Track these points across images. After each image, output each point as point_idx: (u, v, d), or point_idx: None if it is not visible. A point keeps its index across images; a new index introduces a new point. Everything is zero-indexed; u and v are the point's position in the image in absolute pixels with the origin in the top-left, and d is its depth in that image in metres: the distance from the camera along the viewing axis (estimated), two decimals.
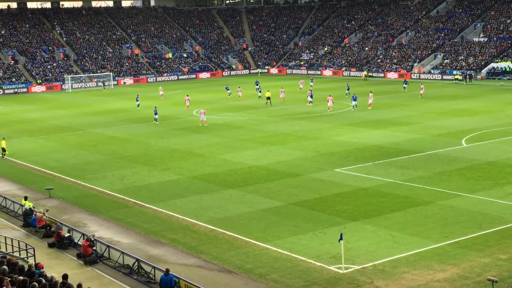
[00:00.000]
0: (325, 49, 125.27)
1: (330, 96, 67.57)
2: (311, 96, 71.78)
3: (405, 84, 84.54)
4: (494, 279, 21.73)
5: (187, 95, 73.87)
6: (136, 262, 24.92)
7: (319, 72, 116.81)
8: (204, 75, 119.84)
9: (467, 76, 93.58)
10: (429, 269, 24.01)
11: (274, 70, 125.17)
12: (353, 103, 66.75)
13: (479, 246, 26.11)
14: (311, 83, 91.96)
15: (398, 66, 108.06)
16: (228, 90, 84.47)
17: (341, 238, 24.12)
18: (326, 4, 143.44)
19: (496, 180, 36.24)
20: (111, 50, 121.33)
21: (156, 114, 62.72)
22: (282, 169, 41.16)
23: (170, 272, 22.59)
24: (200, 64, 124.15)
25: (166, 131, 57.60)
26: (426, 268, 24.10)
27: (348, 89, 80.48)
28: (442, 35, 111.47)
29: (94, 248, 26.72)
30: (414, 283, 22.86)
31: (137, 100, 75.10)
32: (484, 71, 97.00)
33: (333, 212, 31.72)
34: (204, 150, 48.35)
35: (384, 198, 33.65)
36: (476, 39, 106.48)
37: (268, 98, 73.00)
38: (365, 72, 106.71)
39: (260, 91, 79.78)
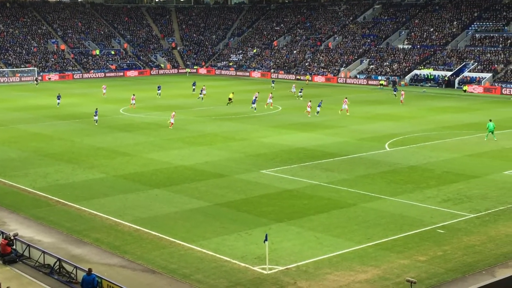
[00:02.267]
0: (254, 50, 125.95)
1: (310, 101, 65.18)
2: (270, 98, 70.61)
3: (395, 91, 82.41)
4: (413, 280, 22.29)
5: (134, 94, 72.17)
6: (58, 262, 24.42)
7: (247, 74, 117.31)
8: (132, 73, 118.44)
9: (392, 83, 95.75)
10: (351, 270, 24.47)
11: (203, 70, 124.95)
12: (318, 108, 64.37)
13: (399, 248, 26.79)
14: (272, 85, 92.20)
15: (325, 70, 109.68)
16: (158, 90, 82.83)
17: (266, 239, 24.29)
18: (256, 6, 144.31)
19: (417, 184, 37.26)
20: (36, 45, 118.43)
21: (96, 114, 59.25)
22: (209, 169, 41.14)
23: (92, 272, 22.25)
24: (128, 62, 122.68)
25: (92, 129, 56.66)
26: (348, 269, 24.56)
27: (300, 91, 79.83)
28: (369, 41, 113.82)
29: (14, 247, 26.02)
30: (336, 284, 23.25)
31: (58, 98, 72.73)
32: (407, 77, 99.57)
33: (258, 213, 31.91)
34: (131, 149, 47.81)
35: (309, 200, 34.09)
36: (400, 46, 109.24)
37: (230, 99, 72.63)
38: (307, 76, 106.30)
39: (202, 92, 78.30)
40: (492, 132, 50.26)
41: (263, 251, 25.17)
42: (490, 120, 51.49)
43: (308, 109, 63.67)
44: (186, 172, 40.41)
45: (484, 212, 31.67)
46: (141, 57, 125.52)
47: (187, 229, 29.45)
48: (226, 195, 35.05)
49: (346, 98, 67.90)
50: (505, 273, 23.38)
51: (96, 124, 58.33)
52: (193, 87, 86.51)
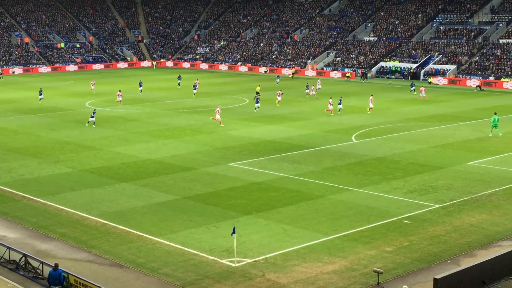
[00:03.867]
0: (221, 43, 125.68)
1: (331, 98, 61.11)
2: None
3: (412, 86, 77.55)
4: (380, 271, 22.58)
5: (120, 90, 67.98)
6: (23, 258, 24.14)
7: (215, 67, 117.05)
8: (98, 66, 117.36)
9: (362, 75, 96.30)
10: (319, 262, 24.62)
11: (169, 63, 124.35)
12: (339, 106, 60.73)
13: (366, 239, 27.03)
14: (277, 80, 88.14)
15: (292, 63, 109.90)
16: (140, 86, 79.23)
17: (234, 232, 24.32)
18: None
19: (383, 175, 37.60)
20: None
21: (93, 115, 53.99)
22: (177, 163, 41.00)
23: (59, 267, 22.04)
24: (93, 55, 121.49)
25: (58, 123, 56.03)
26: (316, 261, 24.71)
27: (307, 88, 75.94)
28: (335, 33, 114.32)
29: None
30: (304, 275, 23.39)
31: (40, 94, 69.20)
32: (374, 69, 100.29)
33: (226, 206, 31.92)
34: (97, 142, 47.42)
35: (276, 192, 34.19)
36: (366, 39, 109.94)
37: (257, 92, 69.58)
38: (293, 70, 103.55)
39: (195, 88, 75.62)
40: (496, 127, 48.61)
41: (231, 244, 25.20)
42: (495, 113, 49.91)
43: (330, 107, 59.88)
44: (154, 166, 40.22)
45: (449, 203, 32.10)
46: (107, 50, 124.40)
47: (154, 223, 29.34)
48: (194, 188, 34.99)
49: (372, 95, 63.64)
50: (469, 262, 23.76)
51: (93, 126, 53.35)
52: (178, 81, 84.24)
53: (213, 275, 23.55)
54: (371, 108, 61.34)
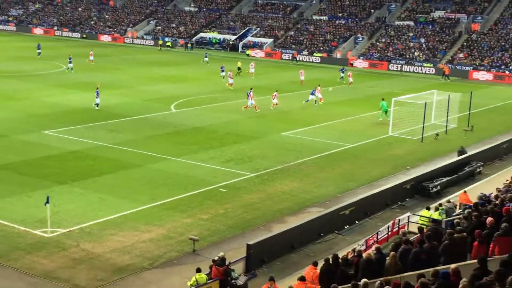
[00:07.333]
0: (36, 6, 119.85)
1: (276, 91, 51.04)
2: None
3: (342, 72, 68.65)
4: (195, 238, 23.07)
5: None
6: None
7: (29, 30, 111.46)
8: None
9: (184, 44, 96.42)
10: (136, 230, 24.64)
11: None
12: (311, 97, 52.62)
13: (183, 208, 27.43)
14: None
15: (111, 30, 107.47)
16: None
17: (47, 202, 23.59)
18: None
19: (201, 145, 38.18)
20: None
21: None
22: None
23: None
24: None
25: None
26: (133, 230, 24.70)
27: (222, 71, 65.85)
28: (156, 1, 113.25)
29: None
30: (120, 244, 23.30)
31: None
32: (194, 39, 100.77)
33: (40, 175, 30.85)
34: None
35: (94, 161, 33.59)
36: (187, 8, 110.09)
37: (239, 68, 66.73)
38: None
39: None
40: (386, 112, 46.06)
41: (44, 214, 24.42)
42: (383, 99, 47.35)
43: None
44: None
45: (263, 171, 33.36)
46: None
47: None
48: (5, 157, 33.40)
49: (319, 86, 54.74)
50: (280, 227, 24.95)
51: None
52: (38, 50, 74.90)
53: (25, 246, 22.77)
54: (312, 99, 52.67)
